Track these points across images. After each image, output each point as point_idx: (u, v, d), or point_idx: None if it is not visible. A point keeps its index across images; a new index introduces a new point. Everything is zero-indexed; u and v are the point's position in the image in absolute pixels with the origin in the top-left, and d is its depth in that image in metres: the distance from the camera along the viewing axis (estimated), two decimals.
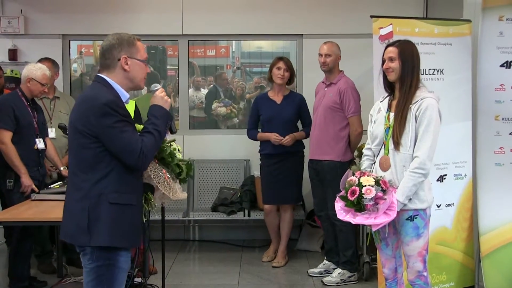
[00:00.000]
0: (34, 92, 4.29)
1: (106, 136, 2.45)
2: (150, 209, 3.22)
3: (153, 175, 2.89)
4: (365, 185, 3.00)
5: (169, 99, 2.69)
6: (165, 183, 2.95)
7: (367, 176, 3.06)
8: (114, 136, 2.45)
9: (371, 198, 2.98)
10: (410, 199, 3.08)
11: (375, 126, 3.27)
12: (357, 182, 3.04)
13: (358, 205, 3.02)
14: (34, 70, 4.28)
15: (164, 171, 2.96)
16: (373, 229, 3.10)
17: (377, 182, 3.01)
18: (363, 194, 2.98)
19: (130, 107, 4.42)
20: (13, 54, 5.69)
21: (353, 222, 3.10)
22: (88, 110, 2.46)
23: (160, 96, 2.67)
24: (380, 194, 2.99)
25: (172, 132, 2.81)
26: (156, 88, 2.71)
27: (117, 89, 2.56)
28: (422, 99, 3.10)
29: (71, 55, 5.98)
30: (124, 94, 2.58)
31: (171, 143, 3.17)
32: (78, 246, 2.56)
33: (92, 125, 2.44)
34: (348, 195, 3.04)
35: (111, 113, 2.43)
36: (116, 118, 2.45)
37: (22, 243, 4.22)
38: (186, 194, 3.20)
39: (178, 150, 3.21)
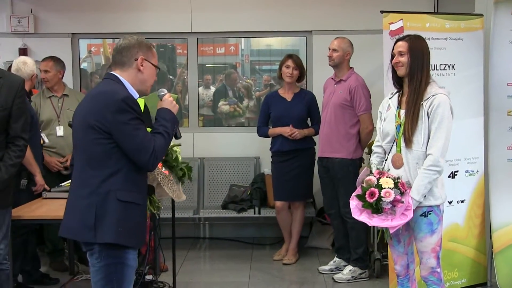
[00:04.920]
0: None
1: (120, 133, 2.45)
2: (155, 211, 3.24)
3: (160, 178, 2.92)
4: (384, 188, 2.96)
5: (177, 105, 2.73)
6: (169, 184, 2.99)
7: (386, 177, 3.02)
8: (128, 133, 2.45)
9: (390, 201, 2.96)
10: (425, 196, 3.05)
11: (385, 124, 3.24)
12: (376, 183, 3.01)
13: (376, 207, 2.98)
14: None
15: (167, 173, 3.00)
16: (391, 231, 3.07)
17: (396, 184, 2.98)
18: (382, 197, 2.95)
19: (140, 106, 4.44)
20: (23, 53, 5.70)
21: (369, 224, 3.08)
22: (104, 106, 2.46)
23: (169, 100, 2.70)
24: (399, 197, 2.96)
25: (177, 138, 2.83)
26: (163, 93, 2.74)
27: (128, 88, 2.57)
28: (434, 96, 3.07)
29: (81, 54, 6.00)
30: (134, 94, 2.60)
31: (175, 147, 3.20)
32: (85, 244, 2.56)
33: (107, 120, 2.44)
34: (366, 196, 3.00)
35: (127, 110, 2.44)
36: (132, 115, 2.45)
37: (15, 240, 4.18)
38: (185, 196, 3.30)
39: (179, 153, 3.26)
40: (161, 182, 2.99)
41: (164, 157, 2.99)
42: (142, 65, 2.60)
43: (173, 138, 2.77)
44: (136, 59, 2.60)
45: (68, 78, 5.41)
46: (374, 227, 4.62)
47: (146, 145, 2.47)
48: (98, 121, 2.45)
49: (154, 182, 3.03)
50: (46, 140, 4.41)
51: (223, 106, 6.12)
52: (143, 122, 2.53)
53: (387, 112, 3.24)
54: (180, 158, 3.28)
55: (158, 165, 2.97)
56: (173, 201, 4.05)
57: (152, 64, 2.65)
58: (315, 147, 5.03)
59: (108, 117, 2.43)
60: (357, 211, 3.10)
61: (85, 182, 2.50)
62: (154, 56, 2.68)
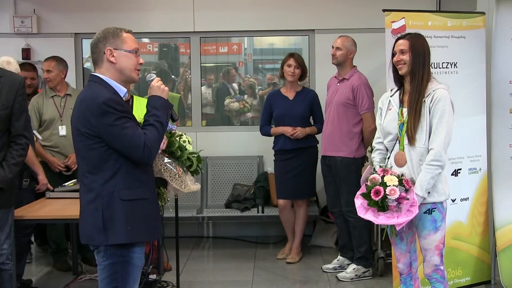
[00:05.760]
0: None
1: (108, 135, 2.45)
2: (163, 203, 3.21)
3: (163, 169, 2.88)
4: (389, 185, 2.96)
5: (166, 88, 2.66)
6: (176, 176, 2.93)
7: (390, 174, 3.02)
8: (117, 134, 2.44)
9: (395, 199, 2.95)
10: (429, 192, 3.05)
11: (387, 122, 3.23)
12: (380, 181, 3.00)
13: (381, 205, 2.99)
14: None
15: (173, 164, 2.94)
16: (397, 228, 3.07)
17: (400, 181, 2.98)
18: (388, 195, 2.95)
19: (143, 105, 4.43)
20: (26, 54, 5.73)
21: (375, 222, 3.08)
22: (87, 111, 2.45)
23: (156, 86, 2.63)
24: (404, 194, 2.97)
25: (174, 120, 2.79)
26: (152, 78, 2.70)
27: (113, 85, 2.54)
28: (434, 91, 3.08)
29: (84, 54, 6.01)
30: (121, 89, 2.57)
31: (181, 135, 3.13)
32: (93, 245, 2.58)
33: (93, 125, 2.44)
34: (371, 194, 3.00)
35: (110, 112, 2.43)
36: (116, 116, 2.44)
37: (20, 240, 4.15)
38: (199, 186, 3.16)
39: (189, 142, 3.16)
40: (164, 174, 2.93)
41: (167, 148, 2.94)
42: (113, 56, 2.54)
43: (171, 121, 2.73)
44: (105, 52, 2.54)
45: (71, 78, 5.43)
46: (377, 225, 4.64)
47: (137, 142, 2.46)
48: (86, 128, 2.46)
49: (164, 174, 2.98)
50: (40, 137, 4.43)
51: (232, 104, 6.12)
52: (130, 118, 2.50)
53: (389, 111, 3.24)
54: (189, 148, 3.16)
55: (165, 157, 2.92)
56: (176, 200, 4.06)
57: (125, 50, 2.55)
58: (317, 145, 5.03)
59: (93, 122, 2.43)
60: (362, 210, 3.10)
61: (88, 187, 2.52)
62: (126, 41, 2.57)
